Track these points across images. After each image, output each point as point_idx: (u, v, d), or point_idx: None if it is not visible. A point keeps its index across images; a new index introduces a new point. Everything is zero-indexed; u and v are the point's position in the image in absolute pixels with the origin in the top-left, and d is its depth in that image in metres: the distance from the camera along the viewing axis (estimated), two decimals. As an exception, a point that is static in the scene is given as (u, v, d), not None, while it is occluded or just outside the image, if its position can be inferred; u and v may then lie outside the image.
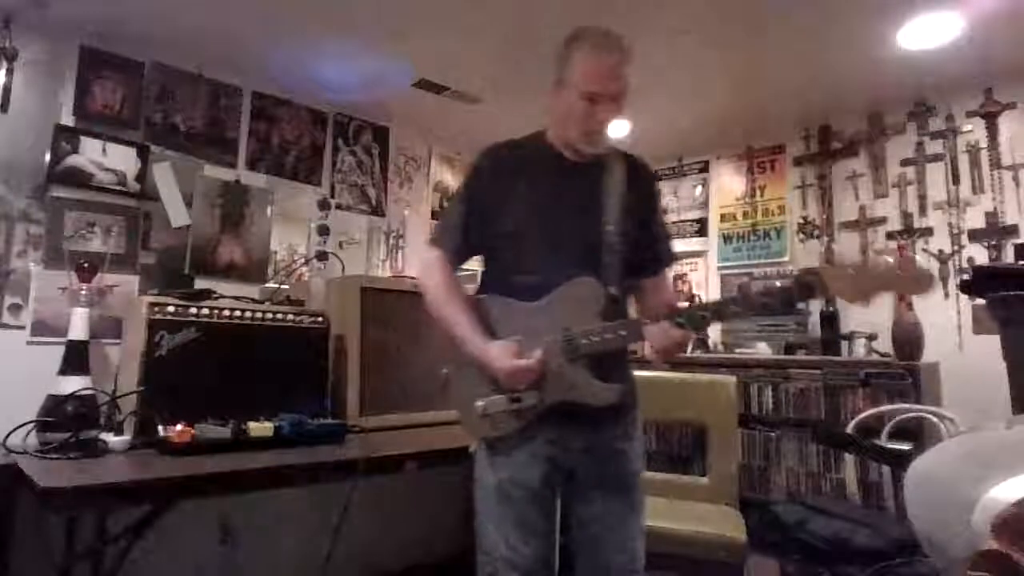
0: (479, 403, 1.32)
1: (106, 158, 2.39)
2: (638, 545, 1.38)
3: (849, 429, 2.41)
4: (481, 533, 1.38)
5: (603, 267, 1.32)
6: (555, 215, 1.36)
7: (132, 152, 2.45)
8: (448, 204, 1.50)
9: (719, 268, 3.68)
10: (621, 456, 1.38)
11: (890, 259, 1.20)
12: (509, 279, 1.38)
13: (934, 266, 2.93)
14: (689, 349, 3.46)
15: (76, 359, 1.89)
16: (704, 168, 3.84)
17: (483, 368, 1.32)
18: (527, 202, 1.37)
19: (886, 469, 2.38)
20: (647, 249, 1.45)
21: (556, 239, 1.35)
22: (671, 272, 1.49)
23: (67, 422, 1.70)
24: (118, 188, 2.41)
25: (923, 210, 3.01)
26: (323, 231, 3.03)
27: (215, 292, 2.07)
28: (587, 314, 1.29)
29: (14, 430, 1.65)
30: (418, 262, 1.47)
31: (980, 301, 2.61)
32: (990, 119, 2.85)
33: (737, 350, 3.28)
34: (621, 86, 1.32)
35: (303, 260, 2.92)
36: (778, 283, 1.27)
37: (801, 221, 3.40)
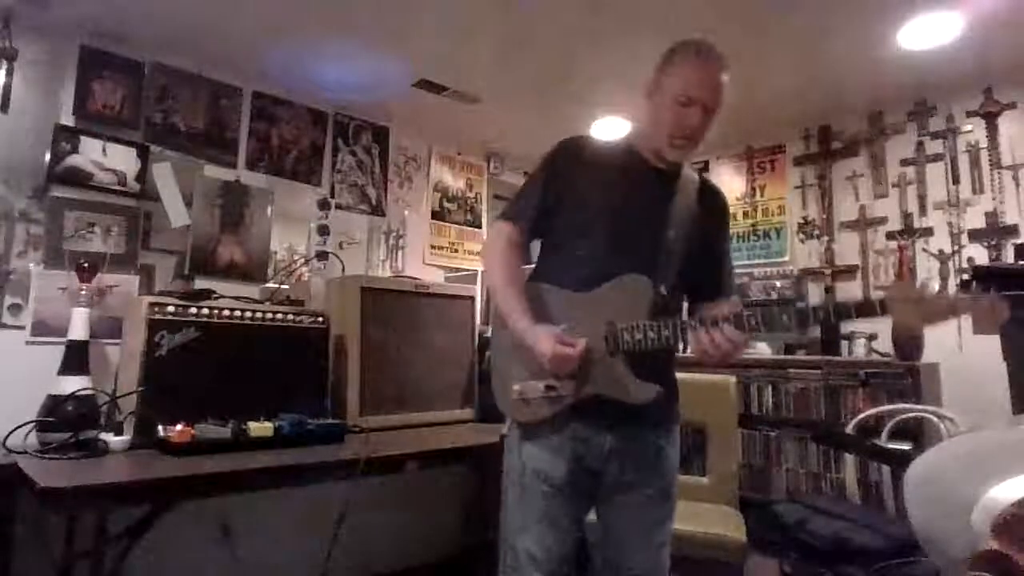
0: (516, 386, 1.33)
1: (106, 158, 2.39)
2: (665, 553, 1.37)
3: (849, 429, 2.41)
4: (506, 524, 1.38)
5: (658, 268, 1.32)
6: (622, 213, 1.36)
7: (132, 152, 2.45)
8: (525, 182, 1.51)
9: (719, 268, 3.67)
10: (660, 460, 1.38)
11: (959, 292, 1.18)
12: (565, 268, 1.38)
13: (934, 266, 2.94)
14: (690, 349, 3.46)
15: (76, 359, 1.89)
16: (704, 168, 3.83)
17: (527, 350, 1.31)
18: (597, 196, 1.38)
19: (886, 469, 2.37)
20: (710, 274, 1.45)
21: (618, 236, 1.35)
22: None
23: (67, 422, 1.70)
24: (118, 188, 2.41)
25: (923, 210, 3.01)
26: (323, 231, 3.03)
27: (215, 292, 2.07)
28: (635, 310, 1.29)
29: (14, 430, 1.65)
30: (487, 232, 1.49)
31: (980, 301, 2.61)
32: (990, 119, 2.85)
33: (737, 350, 3.27)
34: (715, 97, 1.32)
35: (303, 260, 2.92)
36: (837, 301, 1.25)
37: (801, 221, 3.40)
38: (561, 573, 1.31)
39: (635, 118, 3.21)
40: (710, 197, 1.46)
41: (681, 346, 1.32)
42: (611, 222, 1.35)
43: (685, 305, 1.48)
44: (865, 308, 1.19)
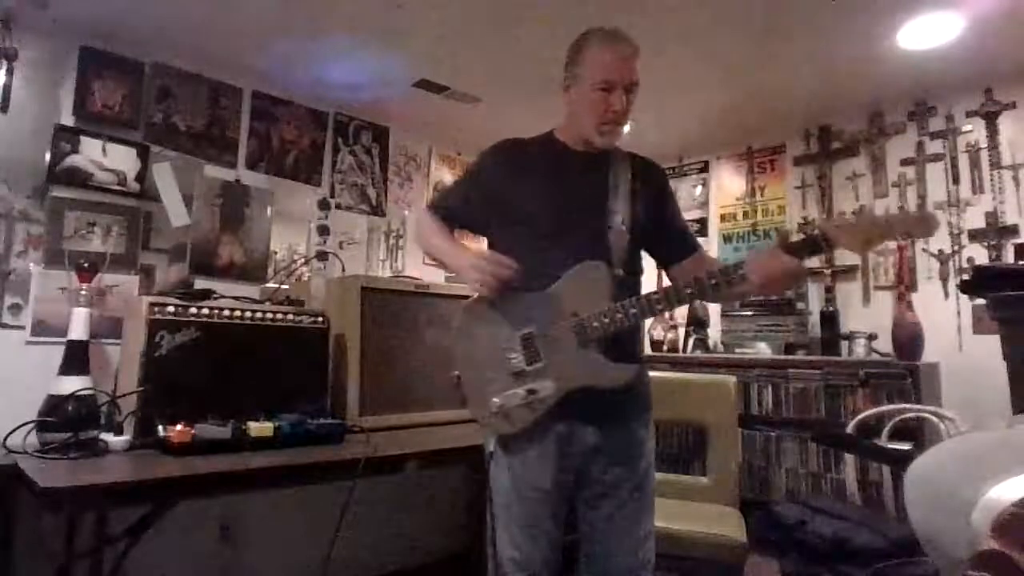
0: (495, 399, 1.32)
1: (106, 158, 2.39)
2: (649, 547, 1.38)
3: (849, 429, 2.41)
4: (492, 531, 1.38)
5: (610, 252, 1.34)
6: (561, 206, 1.38)
7: (132, 152, 2.45)
8: (454, 181, 1.58)
9: (719, 268, 3.67)
10: (635, 459, 1.38)
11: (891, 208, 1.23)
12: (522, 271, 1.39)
13: (934, 266, 2.93)
14: (689, 348, 3.46)
15: (76, 359, 1.89)
16: (704, 168, 3.84)
17: (453, 269, 1.39)
18: (533, 195, 1.39)
19: (886, 469, 2.37)
20: (670, 240, 1.49)
21: (562, 229, 1.36)
22: (704, 252, 1.58)
23: (67, 422, 1.70)
24: (118, 188, 2.41)
25: (923, 210, 3.01)
26: (323, 231, 3.03)
27: (215, 292, 2.07)
28: (596, 297, 1.30)
29: (14, 430, 1.65)
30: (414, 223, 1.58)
31: (980, 301, 2.61)
32: (990, 119, 2.85)
33: (737, 350, 3.28)
34: (634, 77, 1.36)
35: (303, 260, 2.92)
36: (788, 242, 1.30)
37: (801, 221, 3.40)
38: (544, 573, 1.33)
39: (631, 116, 3.21)
40: (645, 171, 1.48)
41: (650, 319, 1.36)
42: (554, 218, 1.37)
43: (648, 277, 1.52)
44: (810, 244, 1.24)
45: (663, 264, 1.53)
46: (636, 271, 1.43)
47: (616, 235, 1.36)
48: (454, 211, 1.50)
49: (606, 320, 1.28)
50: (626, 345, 1.34)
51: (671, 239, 1.50)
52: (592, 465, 1.36)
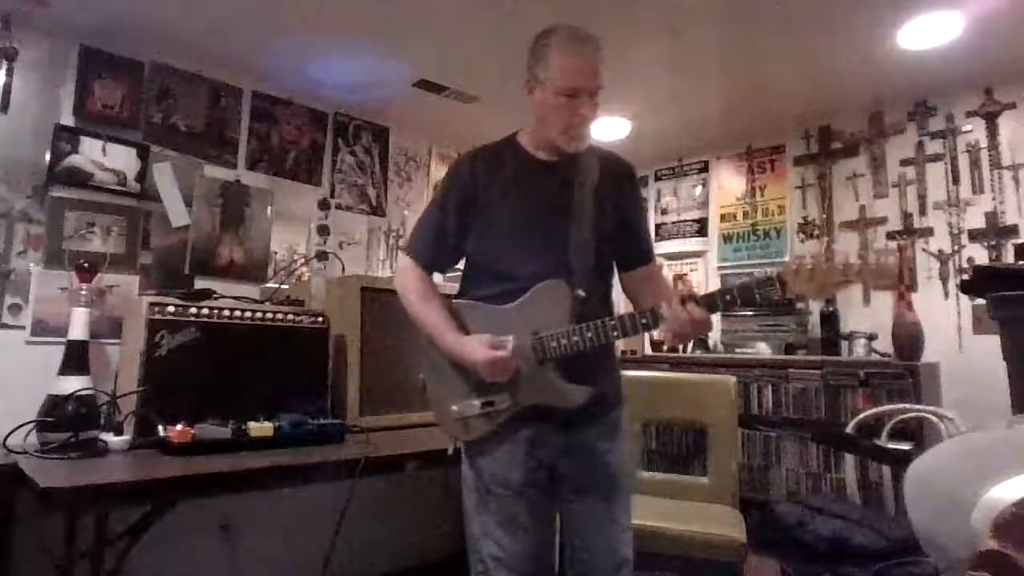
0: (454, 407, 1.35)
1: (106, 158, 2.39)
2: (627, 541, 1.38)
3: (849, 429, 2.41)
4: (469, 533, 1.38)
5: (573, 270, 1.33)
6: (527, 219, 1.37)
7: (132, 152, 2.45)
8: (424, 211, 1.51)
9: (719, 268, 3.68)
10: (604, 456, 1.39)
11: (849, 255, 1.22)
12: (485, 284, 1.39)
13: (934, 266, 2.94)
14: (689, 348, 3.46)
15: (76, 359, 1.89)
16: (704, 168, 3.84)
17: (460, 364, 1.33)
18: (500, 208, 1.38)
19: (886, 469, 2.37)
20: (632, 245, 1.47)
21: (528, 242, 1.36)
22: (656, 268, 1.55)
23: (67, 422, 1.70)
24: (118, 188, 2.41)
25: (923, 210, 3.01)
26: (323, 231, 3.03)
27: (215, 292, 2.07)
28: (556, 316, 1.30)
29: (14, 430, 1.65)
30: (398, 273, 1.50)
31: (980, 301, 2.61)
32: (990, 119, 2.85)
33: (737, 350, 3.28)
34: (599, 81, 1.32)
35: (303, 260, 2.92)
36: (741, 281, 1.28)
37: (801, 221, 3.40)
38: (529, 571, 1.32)
39: (632, 116, 3.21)
40: (614, 173, 1.45)
41: (617, 338, 1.31)
42: (519, 233, 1.36)
43: (615, 286, 1.50)
44: (765, 286, 1.22)
45: (617, 267, 1.50)
46: (602, 286, 1.41)
47: (579, 253, 1.34)
48: (437, 257, 1.45)
49: (564, 342, 1.28)
50: (588, 365, 1.32)
51: (629, 244, 1.47)
52: (564, 462, 1.36)
